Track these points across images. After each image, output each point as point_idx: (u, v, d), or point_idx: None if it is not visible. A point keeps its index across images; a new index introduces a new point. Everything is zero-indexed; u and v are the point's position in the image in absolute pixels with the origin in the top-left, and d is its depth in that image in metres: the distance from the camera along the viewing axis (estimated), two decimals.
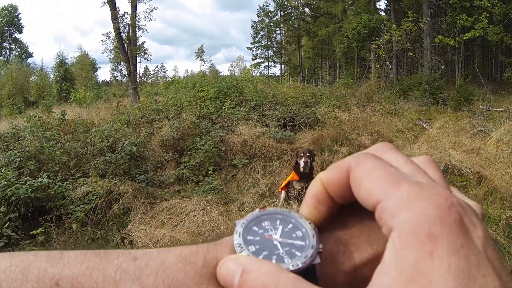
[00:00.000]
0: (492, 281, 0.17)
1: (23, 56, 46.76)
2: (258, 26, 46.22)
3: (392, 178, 0.22)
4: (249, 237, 0.23)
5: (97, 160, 5.73)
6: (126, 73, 20.44)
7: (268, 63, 47.49)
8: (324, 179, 0.25)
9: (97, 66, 46.77)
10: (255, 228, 0.24)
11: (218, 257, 0.23)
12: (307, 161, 4.27)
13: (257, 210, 0.25)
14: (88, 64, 41.01)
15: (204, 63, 58.42)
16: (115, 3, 18.37)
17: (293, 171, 4.42)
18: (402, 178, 0.22)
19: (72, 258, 0.23)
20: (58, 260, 0.23)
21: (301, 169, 4.25)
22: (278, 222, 0.24)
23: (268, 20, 45.57)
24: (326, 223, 0.26)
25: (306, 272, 0.22)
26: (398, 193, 0.21)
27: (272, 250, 0.22)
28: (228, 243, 0.23)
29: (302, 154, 4.28)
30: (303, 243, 0.23)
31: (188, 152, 6.75)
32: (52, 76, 35.42)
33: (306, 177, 4.30)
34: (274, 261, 0.22)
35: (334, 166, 0.26)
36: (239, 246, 0.22)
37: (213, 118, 9.00)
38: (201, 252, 0.23)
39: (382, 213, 0.21)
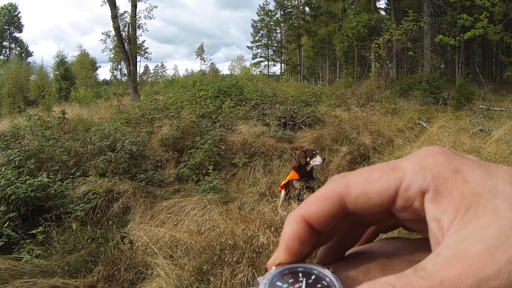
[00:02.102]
0: (502, 165, 0.22)
1: (23, 55, 46.72)
2: (258, 25, 46.15)
3: (387, 167, 0.23)
4: None
5: (97, 159, 5.72)
6: (126, 72, 20.41)
7: (268, 62, 47.47)
8: (309, 216, 0.24)
9: (97, 65, 46.77)
10: (278, 283, 0.23)
11: None
12: (324, 158, 4.31)
13: (274, 268, 0.24)
14: (88, 63, 40.90)
15: (204, 62, 58.47)
16: (115, 2, 18.35)
17: (292, 170, 4.41)
18: (393, 162, 0.23)
19: None
20: None
21: (308, 168, 4.25)
22: (300, 275, 0.24)
23: (268, 19, 45.49)
24: (342, 267, 0.25)
25: None
26: (407, 170, 0.22)
27: None
28: None
29: (314, 152, 4.25)
30: None
31: (188, 151, 6.75)
32: (52, 75, 35.26)
33: (306, 176, 4.29)
34: None
35: (316, 201, 0.24)
36: None
37: (213, 117, 8.99)
38: None
39: (407, 191, 0.22)
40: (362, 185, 0.23)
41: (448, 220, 0.20)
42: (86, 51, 44.92)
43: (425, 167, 0.22)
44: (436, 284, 0.18)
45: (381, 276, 0.23)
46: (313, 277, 0.24)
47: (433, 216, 0.21)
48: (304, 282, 0.23)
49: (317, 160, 4.19)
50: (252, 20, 54.42)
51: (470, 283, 0.17)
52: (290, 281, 0.23)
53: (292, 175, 4.35)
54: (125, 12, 20.37)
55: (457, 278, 0.17)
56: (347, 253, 0.28)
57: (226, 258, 2.83)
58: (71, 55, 69.91)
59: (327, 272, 0.24)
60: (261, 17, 45.76)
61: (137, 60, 21.58)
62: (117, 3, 20.28)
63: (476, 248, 0.18)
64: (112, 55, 24.91)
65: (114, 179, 5.18)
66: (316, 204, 0.24)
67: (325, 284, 0.23)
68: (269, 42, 46.46)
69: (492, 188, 0.20)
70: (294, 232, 0.24)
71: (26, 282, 2.93)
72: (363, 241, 0.30)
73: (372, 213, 0.24)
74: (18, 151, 5.58)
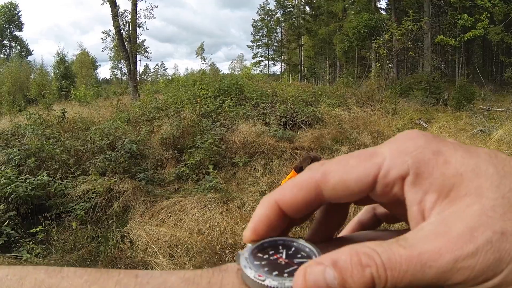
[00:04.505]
0: (481, 148, 0.21)
1: (23, 53, 46.62)
2: (259, 24, 46.14)
3: (365, 154, 0.23)
4: (256, 262, 0.23)
5: (97, 158, 5.72)
6: (126, 71, 20.42)
7: (268, 62, 47.44)
8: (283, 202, 0.24)
9: (97, 64, 46.71)
10: (259, 254, 0.24)
11: (224, 281, 0.23)
12: None
13: (250, 245, 0.25)
14: (88, 62, 40.86)
15: (204, 61, 58.14)
16: (115, 1, 18.34)
17: (293, 170, 4.40)
18: (372, 148, 0.23)
19: (71, 272, 0.22)
20: (57, 273, 0.22)
21: None
22: (280, 247, 0.25)
23: (268, 18, 45.48)
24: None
25: None
26: (385, 155, 0.22)
27: (282, 268, 0.23)
28: (234, 269, 0.23)
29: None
30: (310, 260, 0.23)
31: (188, 151, 6.74)
32: (52, 74, 35.23)
33: None
34: (286, 275, 0.22)
35: (293, 187, 0.24)
36: (245, 268, 0.23)
37: (213, 116, 8.99)
38: (206, 275, 0.23)
39: (386, 177, 0.22)
40: (340, 173, 0.23)
41: (430, 201, 0.20)
42: (86, 50, 44.88)
43: (404, 151, 0.22)
44: (415, 255, 0.18)
45: None
46: (293, 248, 0.24)
47: (413, 198, 0.21)
48: (284, 253, 0.24)
49: None
50: (252, 19, 54.42)
51: (448, 259, 0.18)
52: (270, 252, 0.24)
53: (293, 175, 4.34)
54: (125, 11, 20.41)
55: (436, 253, 0.18)
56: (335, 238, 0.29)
57: (227, 258, 2.83)
58: (71, 54, 69.90)
59: (306, 244, 0.24)
60: (262, 16, 45.76)
61: (137, 59, 21.60)
62: (118, 2, 20.30)
63: (458, 227, 0.18)
64: (112, 54, 24.96)
65: (114, 178, 5.18)
66: (291, 191, 0.24)
67: (305, 254, 0.24)
68: (269, 41, 46.46)
69: (475, 167, 0.20)
70: (265, 214, 0.24)
71: None
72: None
73: (350, 200, 0.24)
74: (18, 149, 5.58)
